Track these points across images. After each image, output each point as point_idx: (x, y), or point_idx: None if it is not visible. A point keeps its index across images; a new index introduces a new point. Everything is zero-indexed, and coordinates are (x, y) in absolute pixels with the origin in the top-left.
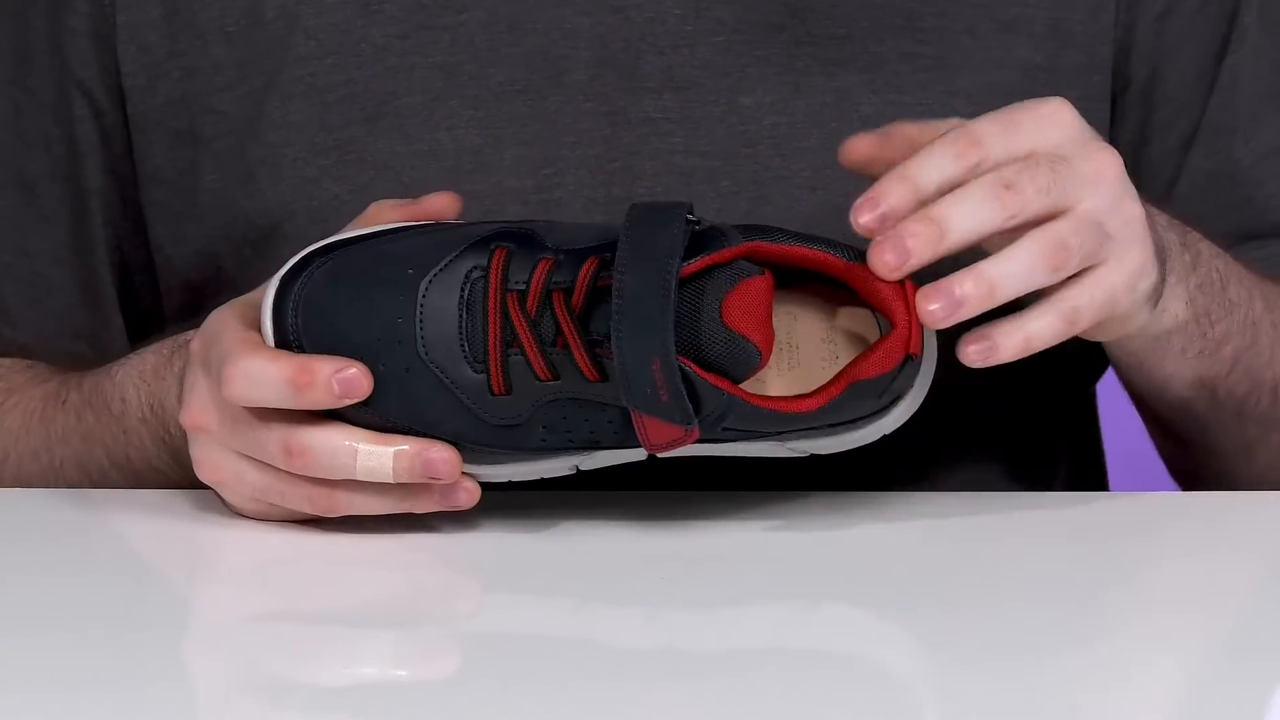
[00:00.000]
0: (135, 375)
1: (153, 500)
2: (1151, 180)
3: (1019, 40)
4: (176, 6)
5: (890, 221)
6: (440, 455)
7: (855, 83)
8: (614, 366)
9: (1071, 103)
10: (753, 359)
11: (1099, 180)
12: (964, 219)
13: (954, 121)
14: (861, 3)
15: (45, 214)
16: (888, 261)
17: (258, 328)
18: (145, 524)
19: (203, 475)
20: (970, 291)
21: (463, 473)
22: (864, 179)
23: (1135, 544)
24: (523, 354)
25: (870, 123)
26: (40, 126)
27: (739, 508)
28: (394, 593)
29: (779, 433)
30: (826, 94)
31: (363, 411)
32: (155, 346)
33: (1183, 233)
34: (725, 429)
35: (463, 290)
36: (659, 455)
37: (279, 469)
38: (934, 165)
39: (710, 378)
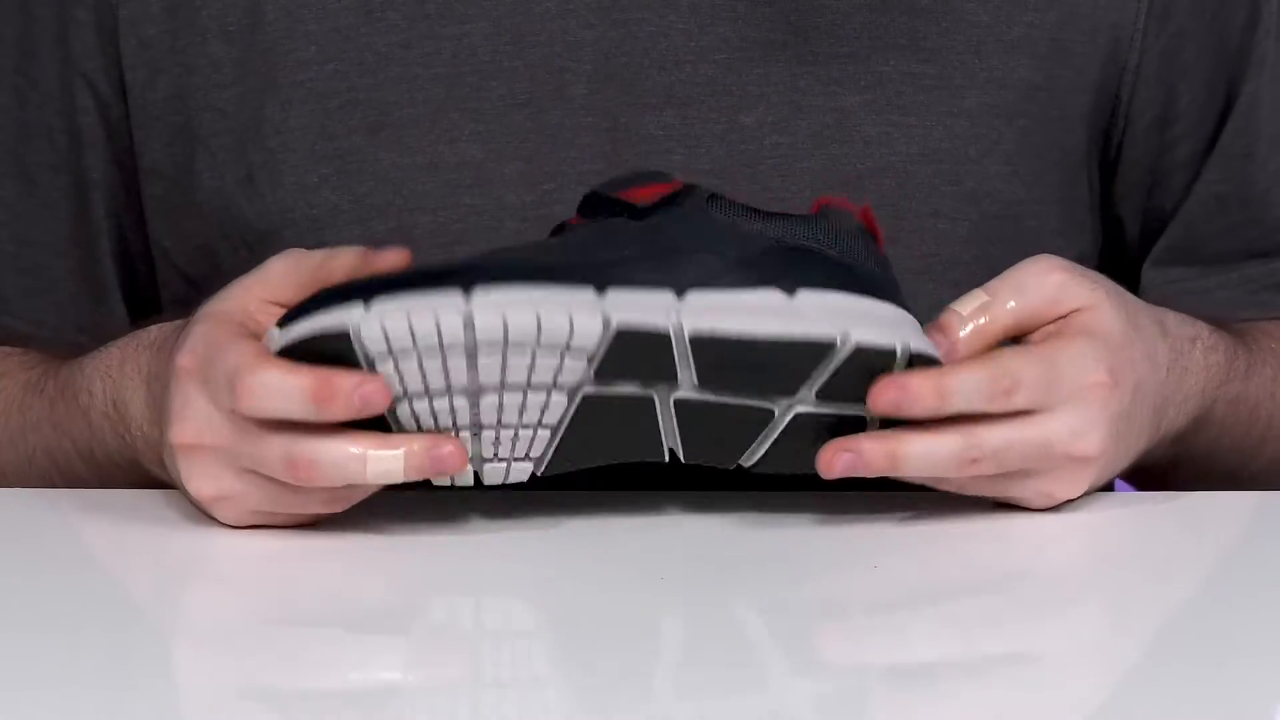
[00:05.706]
0: (102, 369)
1: (148, 501)
2: (1160, 196)
3: (1022, 60)
4: (177, 2)
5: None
6: (449, 450)
7: (857, 103)
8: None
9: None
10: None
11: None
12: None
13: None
14: (865, 21)
15: (47, 204)
16: (831, 462)
17: (255, 337)
18: (139, 525)
19: (197, 494)
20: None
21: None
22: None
23: (1136, 544)
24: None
25: (872, 144)
26: (43, 117)
27: (740, 508)
28: (388, 594)
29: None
30: (828, 114)
31: None
32: (121, 341)
33: (1180, 375)
34: None
35: None
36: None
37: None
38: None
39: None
